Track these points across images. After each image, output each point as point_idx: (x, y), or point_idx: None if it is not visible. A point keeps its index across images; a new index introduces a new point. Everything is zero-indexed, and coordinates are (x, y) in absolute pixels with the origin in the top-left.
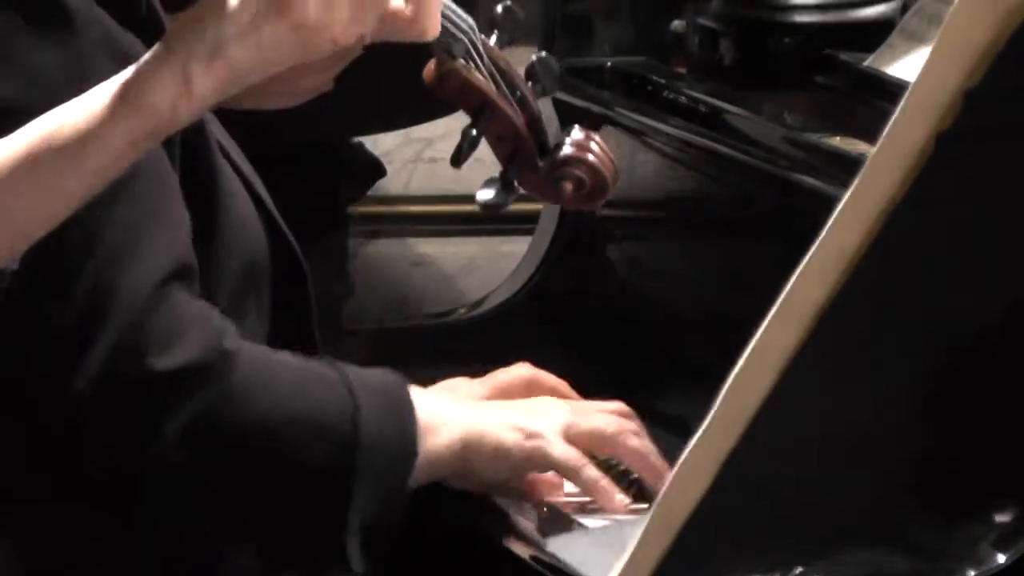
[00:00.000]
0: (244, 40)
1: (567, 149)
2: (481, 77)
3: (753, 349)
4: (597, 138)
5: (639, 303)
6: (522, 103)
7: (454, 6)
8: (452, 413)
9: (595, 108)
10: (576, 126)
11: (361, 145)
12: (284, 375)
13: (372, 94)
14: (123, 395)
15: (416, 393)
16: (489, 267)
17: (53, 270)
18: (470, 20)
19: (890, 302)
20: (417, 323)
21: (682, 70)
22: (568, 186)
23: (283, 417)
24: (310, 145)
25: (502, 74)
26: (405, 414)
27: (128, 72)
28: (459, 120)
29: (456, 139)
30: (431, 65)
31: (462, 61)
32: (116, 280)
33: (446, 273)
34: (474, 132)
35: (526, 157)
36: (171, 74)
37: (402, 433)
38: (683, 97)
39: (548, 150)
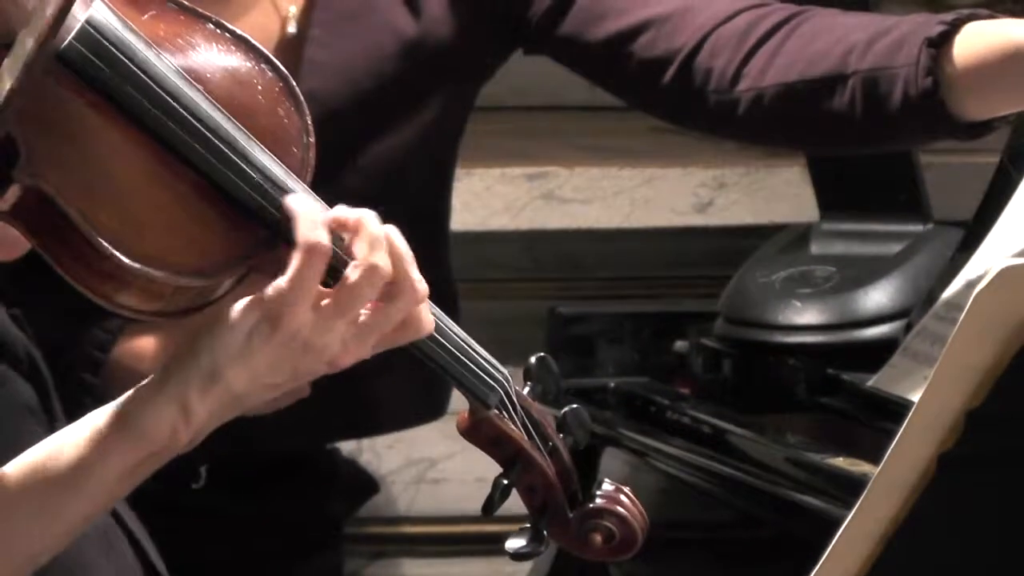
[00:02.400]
0: (239, 363)
1: (598, 501)
2: (514, 427)
3: None
4: (627, 490)
5: None
6: (553, 454)
7: (488, 356)
8: None
9: (599, 429)
10: (606, 478)
11: (353, 461)
12: None
13: (352, 400)
14: None
15: None
16: None
17: None
18: (504, 371)
19: None
20: None
21: (685, 391)
22: (597, 538)
23: None
24: (294, 456)
25: (535, 425)
26: None
27: (125, 398)
28: (459, 441)
29: (458, 459)
30: (465, 413)
31: (496, 411)
32: None
33: None
34: (506, 482)
35: (556, 508)
36: (168, 402)
37: None
38: (686, 418)
39: (579, 502)
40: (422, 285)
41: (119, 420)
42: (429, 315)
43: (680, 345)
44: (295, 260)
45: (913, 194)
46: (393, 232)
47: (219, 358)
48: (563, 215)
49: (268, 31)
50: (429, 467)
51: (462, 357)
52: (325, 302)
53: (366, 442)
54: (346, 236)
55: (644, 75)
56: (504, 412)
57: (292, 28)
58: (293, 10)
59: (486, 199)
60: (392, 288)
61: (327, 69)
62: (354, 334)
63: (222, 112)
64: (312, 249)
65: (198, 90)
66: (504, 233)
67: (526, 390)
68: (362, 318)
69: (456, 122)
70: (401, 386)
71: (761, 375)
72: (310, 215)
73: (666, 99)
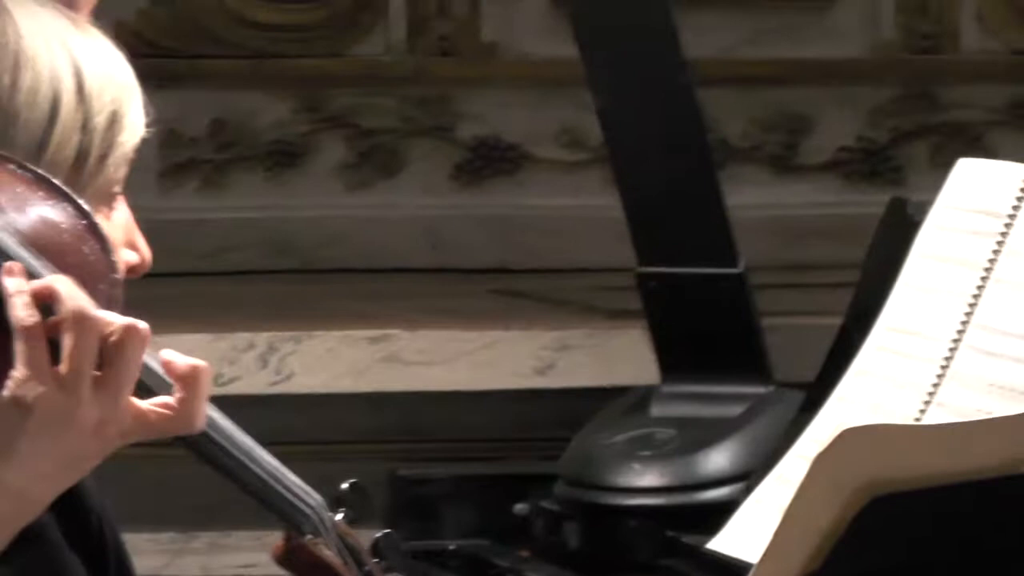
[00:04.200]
0: (5, 461)
1: None
2: (329, 553)
3: None
4: None
5: None
6: None
7: (302, 483)
8: None
9: None
10: None
11: None
12: None
13: None
14: None
15: None
16: None
17: None
18: (318, 497)
19: None
20: None
21: (526, 553)
22: None
23: None
24: None
25: (350, 550)
26: None
27: None
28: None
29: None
30: (280, 540)
31: (309, 537)
32: None
33: None
34: None
35: None
36: None
37: None
38: None
39: None
40: (140, 324)
41: None
42: (201, 409)
43: (521, 507)
44: (18, 345)
45: (755, 356)
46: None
47: None
48: (406, 377)
49: None
50: None
51: (271, 482)
52: (61, 374)
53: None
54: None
55: None
56: (319, 538)
57: None
58: None
59: (328, 361)
60: (110, 338)
61: None
62: (101, 396)
63: None
64: (25, 330)
65: None
66: (347, 396)
67: (339, 516)
68: (100, 374)
69: None
70: None
71: (602, 537)
72: (16, 297)
73: None
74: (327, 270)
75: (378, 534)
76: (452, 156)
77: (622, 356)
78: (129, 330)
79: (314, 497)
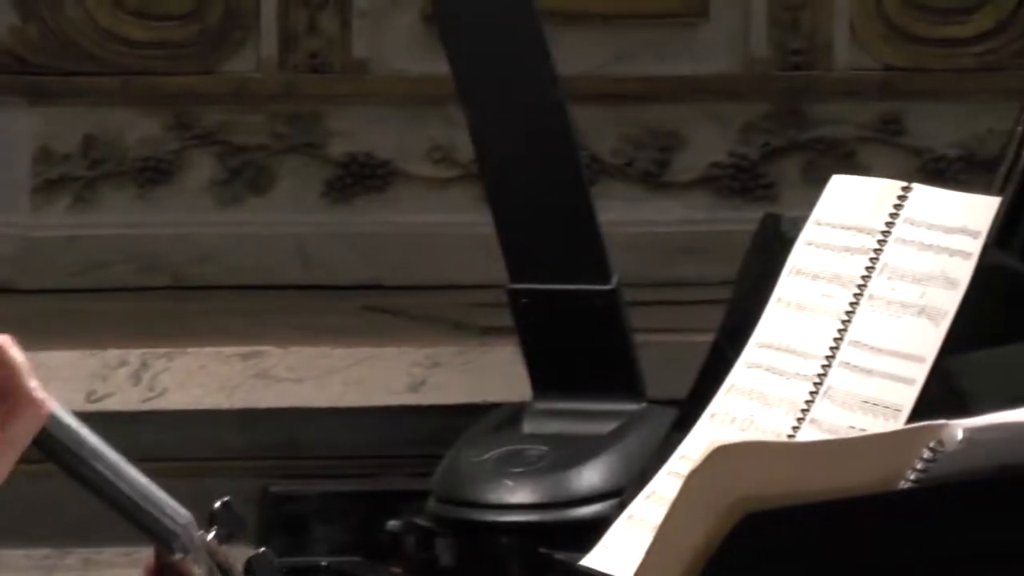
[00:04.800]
0: None
1: None
2: (200, 572)
3: None
4: None
5: None
6: None
7: (172, 501)
8: None
9: None
10: None
11: None
12: None
13: None
14: None
15: None
16: None
17: None
18: (188, 514)
19: None
20: None
21: (398, 570)
22: None
23: None
24: None
25: (221, 568)
26: None
27: None
28: None
29: None
30: (150, 558)
31: (179, 555)
32: None
33: None
34: None
35: None
36: None
37: None
38: None
39: None
40: (46, 400)
41: None
42: (30, 384)
43: (393, 524)
44: None
45: (627, 373)
46: (5, 343)
47: None
48: (276, 394)
49: None
50: None
51: (140, 499)
52: None
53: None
54: None
55: None
56: (189, 556)
57: None
58: None
59: (200, 378)
60: (9, 404)
61: None
62: None
63: None
64: None
65: None
66: (218, 412)
67: (211, 535)
68: None
69: None
70: None
71: (474, 554)
72: None
73: None
74: (198, 287)
75: (252, 553)
76: (323, 173)
77: (494, 372)
78: (27, 403)
79: (184, 515)
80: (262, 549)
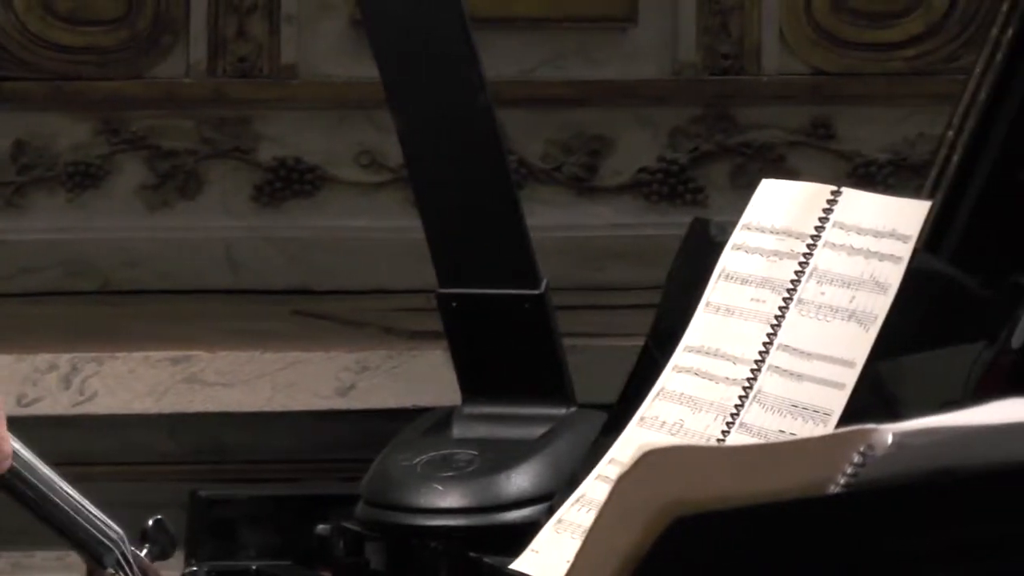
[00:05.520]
0: None
1: None
2: None
3: None
4: None
5: None
6: None
7: (104, 517)
8: None
9: None
10: None
11: None
12: None
13: None
14: None
15: None
16: None
17: None
18: (119, 530)
19: None
20: None
21: (327, 575)
22: None
23: None
24: None
25: None
26: None
27: None
28: None
29: None
30: (83, 573)
31: (111, 571)
32: None
33: None
34: None
35: None
36: None
37: None
38: None
39: None
40: (6, 444)
41: None
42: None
43: (322, 528)
44: None
45: (556, 377)
46: None
47: None
48: (206, 398)
49: None
50: None
51: (73, 514)
52: None
53: None
54: None
55: None
56: (120, 572)
57: None
58: None
59: (129, 382)
60: None
61: None
62: None
63: None
64: None
65: None
66: (147, 416)
67: (144, 552)
68: None
69: None
70: None
71: (404, 558)
72: None
73: None
74: (128, 291)
75: (149, 521)
76: (252, 178)
77: (423, 377)
78: None
79: (115, 530)
80: (194, 568)
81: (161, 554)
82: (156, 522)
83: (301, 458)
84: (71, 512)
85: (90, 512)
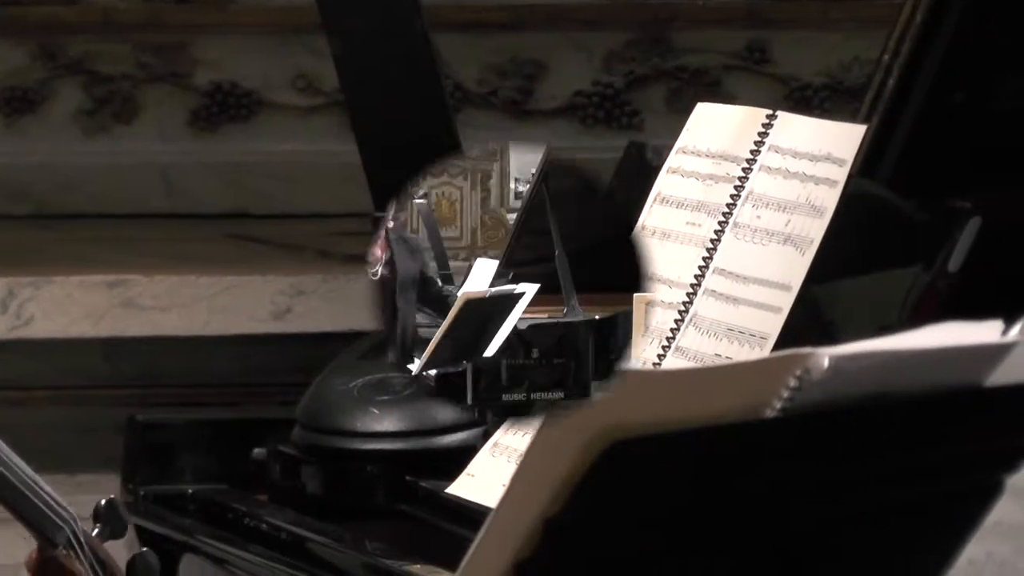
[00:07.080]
0: None
1: None
2: (81, 567)
3: None
4: None
5: None
6: None
7: (56, 496)
8: None
9: (176, 535)
10: None
11: None
12: None
13: None
14: None
15: None
16: None
17: None
18: (71, 510)
19: None
20: None
21: (263, 498)
22: None
23: None
24: None
25: (102, 565)
26: None
27: None
28: None
29: None
30: (33, 552)
31: (63, 550)
32: None
33: None
34: None
35: None
36: None
37: None
38: (264, 525)
39: None
40: None
41: None
42: None
43: (258, 452)
44: None
45: None
46: None
47: None
48: (142, 323)
49: None
50: None
51: (26, 492)
52: None
53: None
54: None
55: None
56: (72, 551)
57: None
58: None
59: (66, 306)
60: None
61: None
62: None
63: None
64: None
65: None
66: (84, 341)
67: (95, 531)
68: None
69: None
70: None
71: (340, 482)
72: None
73: None
74: (64, 216)
75: (101, 501)
76: (188, 102)
77: (359, 301)
78: None
79: (67, 510)
80: (144, 549)
81: (112, 535)
82: (108, 503)
83: (237, 382)
84: (24, 489)
85: (42, 490)
